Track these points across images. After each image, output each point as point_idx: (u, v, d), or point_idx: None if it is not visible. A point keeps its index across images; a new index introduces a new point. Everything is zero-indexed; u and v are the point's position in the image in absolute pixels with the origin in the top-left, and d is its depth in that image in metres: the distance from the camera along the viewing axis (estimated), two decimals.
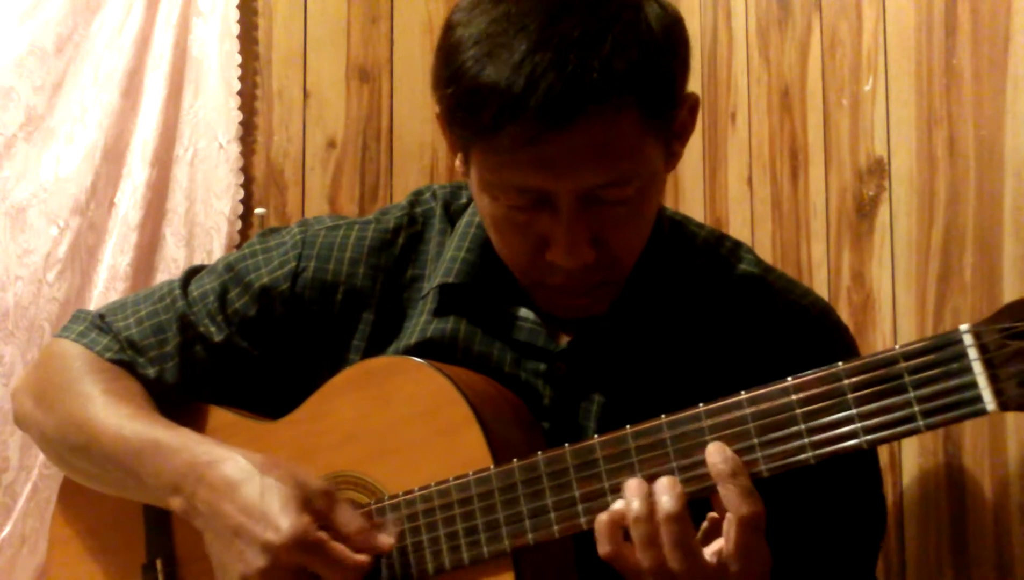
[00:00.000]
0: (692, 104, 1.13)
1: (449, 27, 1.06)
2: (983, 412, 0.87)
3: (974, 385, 0.87)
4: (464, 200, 1.27)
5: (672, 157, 1.13)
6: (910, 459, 1.39)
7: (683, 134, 1.14)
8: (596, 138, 1.00)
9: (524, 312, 1.19)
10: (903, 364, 0.90)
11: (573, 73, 0.97)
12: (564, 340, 1.19)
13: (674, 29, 1.07)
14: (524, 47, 0.98)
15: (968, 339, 0.87)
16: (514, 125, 0.99)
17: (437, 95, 1.08)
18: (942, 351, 0.89)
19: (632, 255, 1.13)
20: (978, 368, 0.87)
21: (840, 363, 0.93)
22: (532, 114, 0.98)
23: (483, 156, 1.05)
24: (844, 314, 1.51)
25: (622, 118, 1.01)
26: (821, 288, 1.60)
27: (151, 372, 1.29)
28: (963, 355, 0.87)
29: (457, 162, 1.14)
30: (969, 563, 1.28)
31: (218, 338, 1.27)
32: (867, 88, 1.50)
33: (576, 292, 1.12)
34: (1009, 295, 1.22)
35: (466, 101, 1.02)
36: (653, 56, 1.02)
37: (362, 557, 1.08)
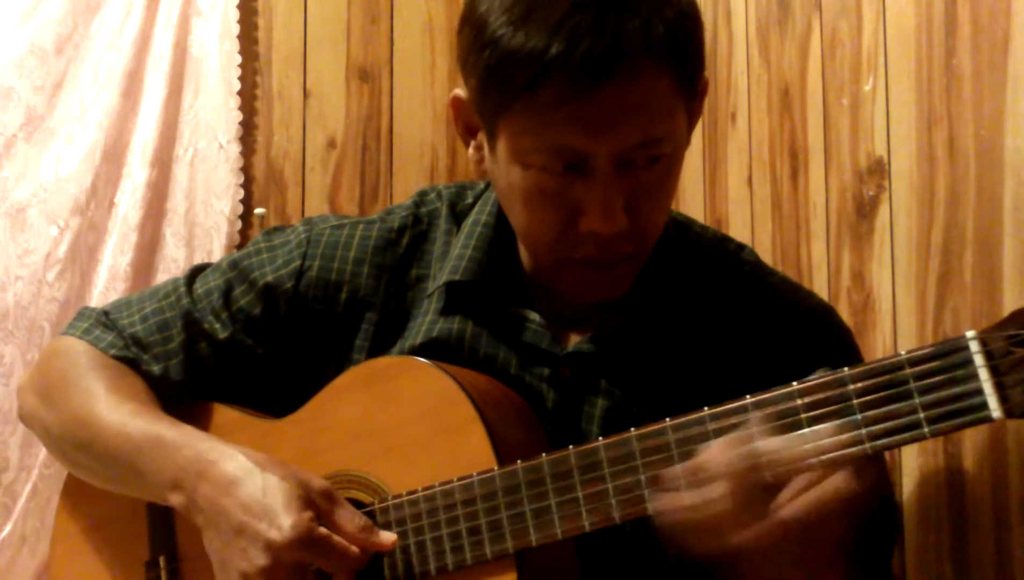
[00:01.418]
0: (703, 87, 1.14)
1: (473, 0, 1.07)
2: (989, 419, 0.87)
3: (980, 392, 0.87)
4: (470, 200, 1.27)
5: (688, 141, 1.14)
6: (910, 459, 1.39)
7: (694, 119, 1.15)
8: (634, 96, 1.02)
9: (530, 314, 1.19)
10: (908, 370, 0.90)
11: (613, 33, 0.99)
12: (568, 344, 1.19)
13: (695, 5, 1.09)
14: (562, 8, 1.00)
15: (974, 346, 0.87)
16: (554, 83, 1.00)
17: (468, 67, 1.08)
18: (948, 357, 0.88)
19: (656, 231, 1.13)
20: (984, 375, 0.86)
21: (846, 369, 0.93)
22: (572, 72, 0.99)
23: (518, 119, 1.05)
24: (844, 314, 1.51)
25: (659, 79, 1.03)
26: (821, 288, 1.60)
27: (156, 369, 1.29)
28: (969, 362, 0.87)
29: (471, 150, 1.15)
30: (969, 563, 1.28)
31: (222, 335, 1.27)
32: (867, 88, 1.50)
33: (604, 263, 1.11)
34: (1009, 295, 1.22)
35: (503, 64, 1.02)
36: (686, 23, 1.05)
37: (364, 554, 1.08)
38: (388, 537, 1.10)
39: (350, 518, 1.10)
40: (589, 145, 1.03)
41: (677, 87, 1.05)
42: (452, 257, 1.22)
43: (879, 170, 1.47)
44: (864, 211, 1.51)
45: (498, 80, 1.04)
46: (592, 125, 1.02)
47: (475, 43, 1.06)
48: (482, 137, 1.12)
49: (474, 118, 1.12)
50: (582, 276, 1.13)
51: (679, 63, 1.04)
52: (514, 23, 1.01)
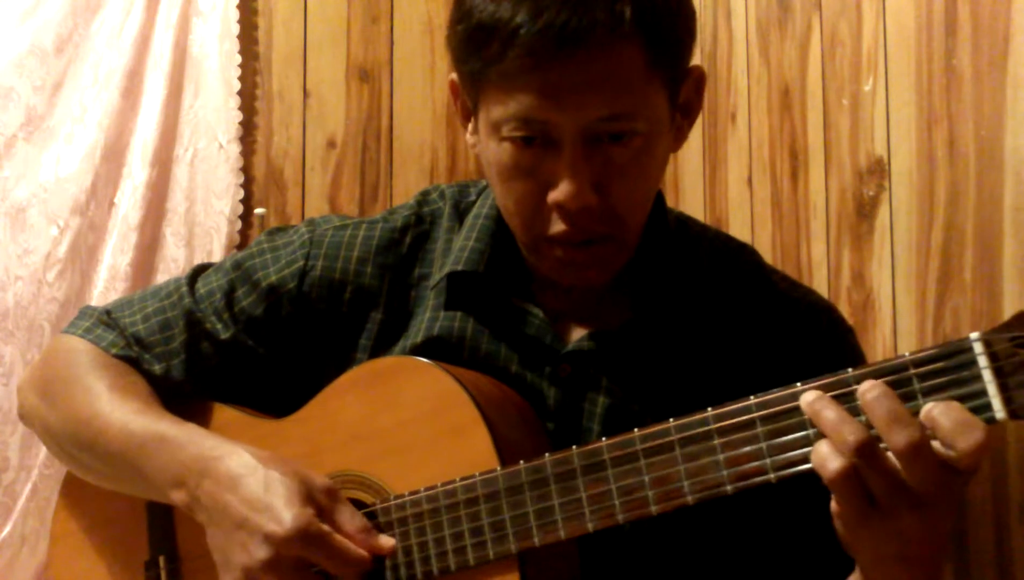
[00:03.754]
0: (698, 77, 1.14)
1: None
2: (992, 421, 0.86)
3: (984, 393, 0.86)
4: (472, 197, 1.28)
5: (678, 132, 1.14)
6: None
7: (689, 111, 1.15)
8: (597, 69, 1.03)
9: (532, 308, 1.19)
10: (913, 371, 0.89)
11: (577, 5, 1.01)
12: (570, 340, 1.19)
13: None
14: None
15: (978, 347, 0.86)
16: (518, 52, 1.02)
17: (449, 40, 1.11)
18: (952, 359, 0.87)
19: (634, 215, 1.13)
20: (988, 376, 0.86)
21: (850, 369, 0.92)
22: (534, 40, 1.01)
23: (490, 90, 1.07)
24: (844, 314, 1.52)
25: (626, 54, 1.04)
26: (821, 288, 1.60)
27: (157, 368, 1.29)
28: (973, 363, 0.86)
29: (468, 134, 1.16)
30: (969, 563, 1.29)
31: (224, 336, 1.27)
32: (867, 88, 1.51)
33: (575, 241, 1.11)
34: (1009, 295, 1.23)
35: (475, 34, 1.05)
36: (661, 3, 1.06)
37: (364, 551, 1.08)
38: (387, 541, 1.10)
39: (350, 518, 1.10)
40: (553, 115, 1.05)
41: (649, 65, 1.05)
42: (455, 249, 1.22)
43: (879, 170, 1.47)
44: (864, 211, 1.51)
45: (471, 51, 1.07)
46: (555, 95, 1.04)
47: (453, 18, 1.09)
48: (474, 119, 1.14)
49: (465, 99, 1.14)
50: (556, 255, 1.13)
51: (650, 40, 1.04)
52: None
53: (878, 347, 1.47)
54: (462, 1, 1.08)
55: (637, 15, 1.03)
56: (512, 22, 1.02)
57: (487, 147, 1.11)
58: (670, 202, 1.26)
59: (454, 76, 1.15)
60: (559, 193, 1.07)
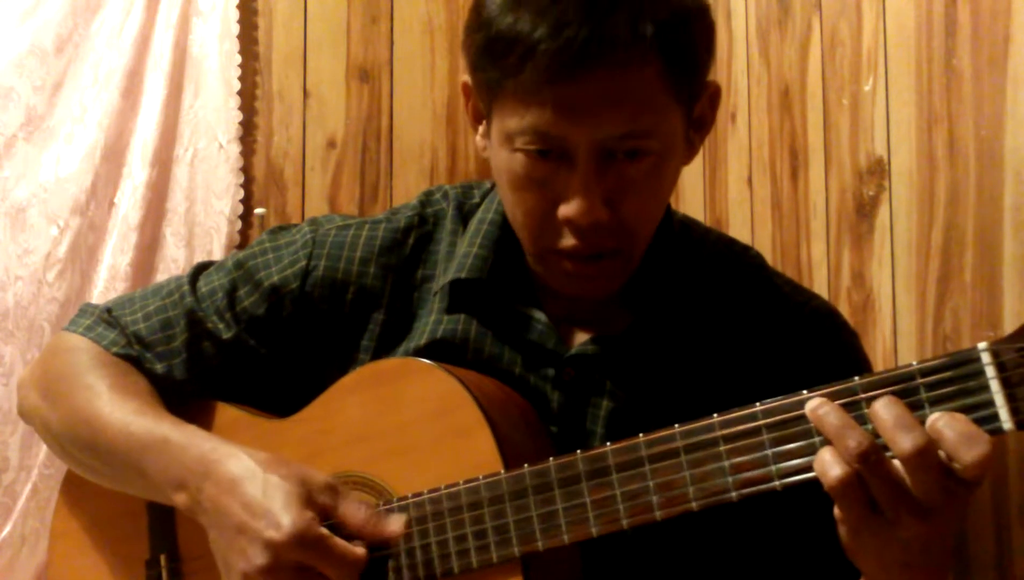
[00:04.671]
0: (713, 93, 1.14)
1: None
2: (1000, 431, 0.86)
3: (991, 403, 0.86)
4: (476, 199, 1.28)
5: (690, 147, 1.15)
6: None
7: (702, 125, 1.15)
8: (617, 86, 1.03)
9: (536, 313, 1.19)
10: (920, 380, 0.89)
11: (599, 22, 1.01)
12: (573, 345, 1.19)
13: (705, 10, 1.10)
14: None
15: (986, 357, 0.86)
16: (536, 65, 1.02)
17: (465, 49, 1.11)
18: (959, 368, 0.87)
19: (644, 230, 1.13)
20: (995, 386, 0.86)
21: (856, 378, 0.92)
22: (554, 55, 1.01)
23: (505, 101, 1.07)
24: (844, 314, 1.52)
25: (645, 73, 1.03)
26: (821, 288, 1.60)
27: (159, 367, 1.29)
28: (980, 373, 0.86)
29: (478, 137, 1.16)
30: (969, 563, 1.29)
31: (226, 335, 1.27)
32: (867, 88, 1.51)
33: (584, 256, 1.11)
34: (1009, 295, 1.23)
35: (493, 44, 1.05)
36: (682, 23, 1.05)
37: (361, 551, 1.08)
38: (398, 521, 1.10)
39: (356, 508, 1.10)
40: (568, 130, 1.04)
41: (667, 84, 1.05)
42: (458, 255, 1.22)
43: (879, 170, 1.48)
44: (864, 211, 1.51)
45: (488, 61, 1.06)
46: (572, 111, 1.03)
47: (471, 25, 1.09)
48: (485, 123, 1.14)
49: (477, 103, 1.14)
50: (564, 268, 1.13)
51: (670, 60, 1.04)
52: (507, 6, 1.04)
53: (878, 347, 1.47)
54: (480, 9, 1.07)
55: (659, 34, 1.02)
56: (532, 36, 1.01)
57: (498, 154, 1.11)
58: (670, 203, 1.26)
59: (467, 79, 1.14)
60: (570, 209, 1.07)
